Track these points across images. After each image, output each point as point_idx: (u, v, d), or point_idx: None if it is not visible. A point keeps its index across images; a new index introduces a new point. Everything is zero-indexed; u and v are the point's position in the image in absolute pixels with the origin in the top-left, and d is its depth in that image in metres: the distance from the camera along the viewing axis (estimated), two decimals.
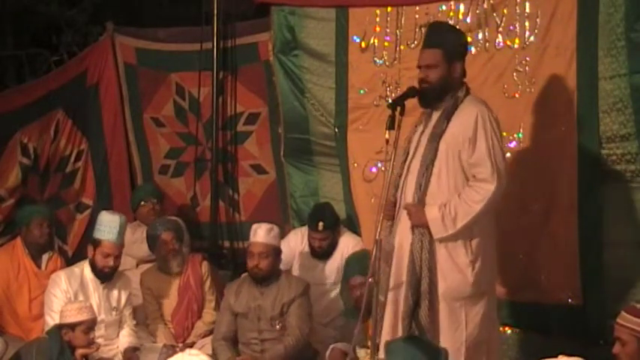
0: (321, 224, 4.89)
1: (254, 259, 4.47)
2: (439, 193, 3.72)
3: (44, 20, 6.84)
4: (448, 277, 3.72)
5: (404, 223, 3.82)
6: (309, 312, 4.54)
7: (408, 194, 3.80)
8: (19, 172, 5.95)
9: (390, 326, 3.80)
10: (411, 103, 3.87)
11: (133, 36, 6.23)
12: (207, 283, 4.98)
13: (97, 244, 4.54)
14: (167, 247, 4.90)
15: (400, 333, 3.75)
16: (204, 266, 5.00)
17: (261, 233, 4.50)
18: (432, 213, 3.70)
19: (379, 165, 5.04)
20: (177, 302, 4.91)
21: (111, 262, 4.55)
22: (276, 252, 4.54)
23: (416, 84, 3.89)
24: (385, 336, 3.79)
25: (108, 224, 4.54)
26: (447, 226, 3.67)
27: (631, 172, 4.21)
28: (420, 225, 3.72)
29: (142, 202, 5.67)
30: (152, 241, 4.98)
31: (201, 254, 5.13)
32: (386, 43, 4.97)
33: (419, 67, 3.83)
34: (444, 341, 3.71)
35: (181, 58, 6.05)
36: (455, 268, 3.72)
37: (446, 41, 3.80)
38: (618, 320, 3.28)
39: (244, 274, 4.65)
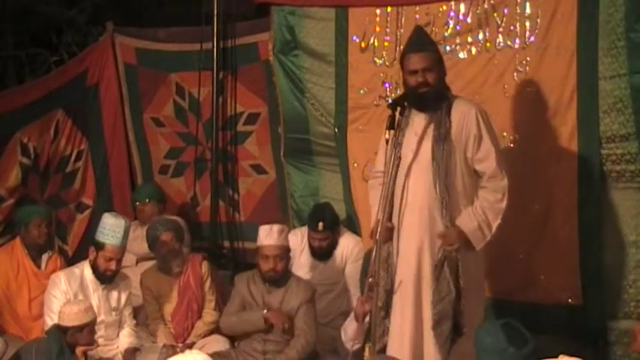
0: (320, 224, 4.88)
1: (269, 262, 4.42)
2: (460, 192, 3.79)
3: (44, 20, 6.83)
4: (466, 271, 3.78)
5: (416, 227, 3.82)
6: (315, 318, 4.52)
7: (419, 196, 3.81)
8: (19, 172, 5.95)
9: (411, 329, 3.80)
10: None
11: (133, 36, 6.22)
12: (207, 283, 4.96)
13: (100, 247, 4.51)
14: (167, 248, 4.88)
15: (426, 335, 3.79)
16: (204, 266, 4.98)
17: (274, 235, 4.45)
18: (468, 226, 3.75)
19: None
20: (178, 302, 4.90)
21: (113, 265, 4.53)
22: (287, 253, 4.53)
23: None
24: (408, 339, 3.80)
25: (112, 228, 4.52)
26: (484, 233, 3.77)
27: (631, 172, 4.22)
28: (460, 245, 3.74)
29: (137, 203, 5.68)
30: (152, 241, 4.98)
31: (201, 254, 5.11)
32: (386, 43, 4.97)
33: (414, 71, 3.81)
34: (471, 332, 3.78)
35: (181, 58, 6.04)
36: (471, 263, 3.81)
37: (433, 45, 3.93)
38: None
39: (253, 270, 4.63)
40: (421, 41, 3.90)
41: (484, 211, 3.76)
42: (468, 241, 3.75)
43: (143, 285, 4.95)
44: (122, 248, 4.57)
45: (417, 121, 3.87)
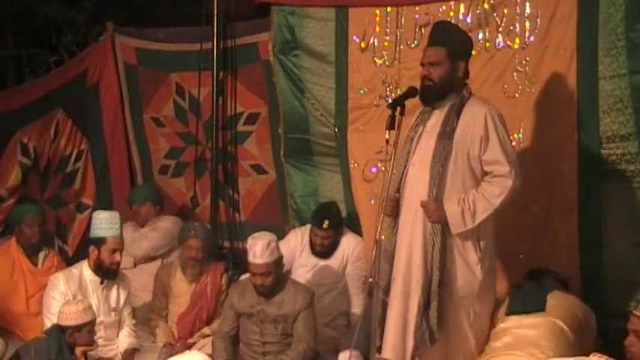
0: (326, 222, 4.86)
1: (257, 279, 4.39)
2: (456, 191, 3.77)
3: (44, 20, 6.83)
4: (460, 275, 3.79)
5: (410, 222, 3.85)
6: (314, 323, 4.50)
7: (415, 192, 3.83)
8: (19, 172, 5.95)
9: (395, 325, 3.83)
10: (411, 103, 3.89)
11: (133, 36, 6.22)
12: (223, 296, 4.91)
13: (101, 242, 4.50)
14: (190, 254, 4.86)
15: (409, 331, 3.81)
16: (224, 279, 4.97)
17: (258, 253, 4.33)
18: (450, 207, 3.73)
19: (379, 165, 5.05)
20: (189, 306, 4.89)
21: (118, 257, 4.54)
22: (277, 264, 4.43)
23: (416, 83, 3.92)
24: (392, 335, 3.82)
25: (108, 221, 4.53)
26: (466, 220, 3.72)
27: (631, 172, 4.22)
28: (438, 221, 3.74)
29: (134, 205, 5.65)
30: (182, 240, 4.97)
31: (223, 265, 5.09)
32: (386, 43, 4.97)
33: (422, 64, 3.86)
34: (454, 338, 3.82)
35: (181, 58, 6.04)
36: (466, 267, 3.80)
37: (451, 40, 3.85)
38: (636, 312, 3.26)
39: (248, 276, 4.62)
40: (433, 36, 3.91)
41: (474, 200, 3.71)
42: (446, 221, 3.73)
43: (158, 279, 4.95)
44: (122, 239, 4.58)
45: (433, 118, 3.89)
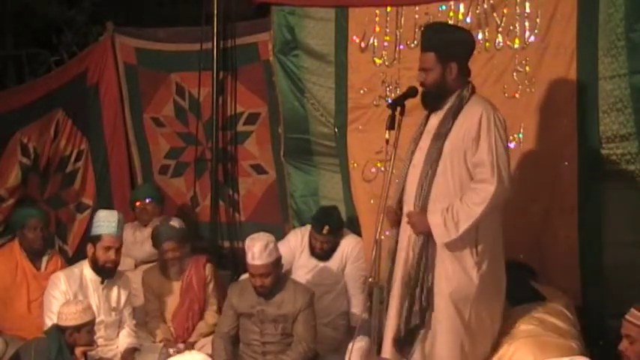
0: (326, 228, 4.85)
1: (256, 280, 4.38)
2: (444, 193, 3.74)
3: (44, 20, 6.83)
4: (453, 278, 3.75)
5: (405, 223, 3.86)
6: (314, 323, 4.49)
7: (411, 196, 3.82)
8: (19, 172, 5.93)
9: (393, 325, 3.85)
10: (411, 103, 3.89)
11: (133, 36, 6.21)
12: (211, 286, 4.97)
13: (96, 239, 4.50)
14: (167, 256, 4.90)
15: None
16: (208, 268, 4.99)
17: (257, 254, 4.31)
18: (434, 219, 3.71)
19: (379, 165, 5.05)
20: (179, 303, 4.91)
21: (113, 255, 4.50)
22: (276, 265, 4.41)
23: (416, 83, 3.92)
24: (390, 335, 3.84)
25: (106, 219, 4.54)
26: (449, 230, 3.68)
27: (631, 172, 4.23)
28: (423, 232, 3.74)
29: (137, 203, 5.67)
30: (156, 244, 5.00)
31: (205, 257, 5.11)
32: (386, 43, 4.97)
33: (419, 69, 3.86)
34: (447, 339, 3.80)
35: (181, 58, 6.03)
36: (462, 271, 3.75)
37: (439, 44, 3.77)
38: (628, 317, 3.26)
39: (247, 276, 4.63)
40: (423, 40, 3.89)
41: (457, 211, 3.66)
42: (431, 233, 3.72)
43: (145, 283, 4.96)
44: (118, 237, 4.54)
45: (433, 119, 3.88)
